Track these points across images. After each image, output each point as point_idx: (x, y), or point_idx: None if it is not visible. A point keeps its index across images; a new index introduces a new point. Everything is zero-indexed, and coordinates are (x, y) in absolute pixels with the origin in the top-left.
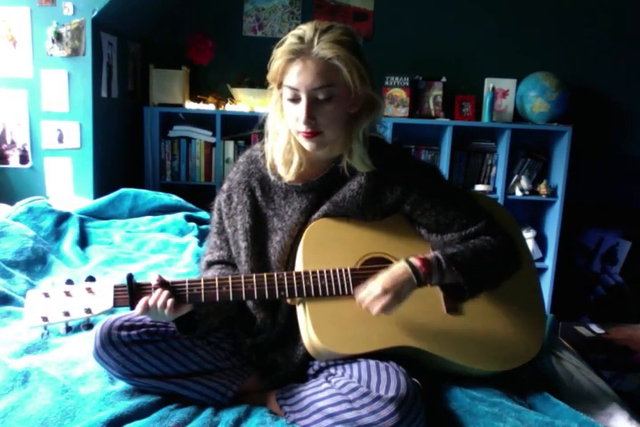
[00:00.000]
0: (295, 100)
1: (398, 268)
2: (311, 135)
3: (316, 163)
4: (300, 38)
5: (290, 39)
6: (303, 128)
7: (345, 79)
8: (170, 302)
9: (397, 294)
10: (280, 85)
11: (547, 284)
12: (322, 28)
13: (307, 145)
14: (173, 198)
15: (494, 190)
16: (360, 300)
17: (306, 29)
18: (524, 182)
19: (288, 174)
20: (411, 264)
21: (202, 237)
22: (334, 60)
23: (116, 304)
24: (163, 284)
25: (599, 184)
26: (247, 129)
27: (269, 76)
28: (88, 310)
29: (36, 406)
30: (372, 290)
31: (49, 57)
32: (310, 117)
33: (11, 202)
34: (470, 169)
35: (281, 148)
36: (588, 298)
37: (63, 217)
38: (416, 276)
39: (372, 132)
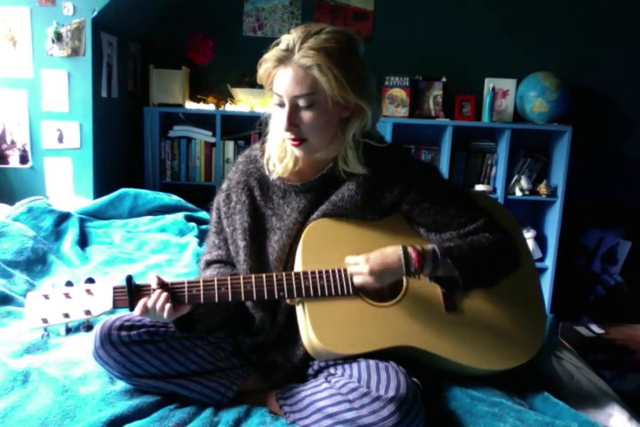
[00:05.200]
0: (281, 105)
1: (393, 254)
2: (297, 143)
3: (314, 163)
4: (287, 44)
5: (279, 44)
6: (287, 134)
7: (324, 87)
8: (168, 306)
9: (380, 278)
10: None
11: (547, 284)
12: (310, 32)
13: (296, 151)
14: (173, 198)
15: (494, 190)
16: (345, 263)
17: (293, 34)
18: (524, 182)
19: (279, 170)
20: (406, 255)
21: (202, 237)
22: (312, 69)
23: (116, 306)
24: (162, 285)
25: (599, 184)
26: (247, 129)
27: (259, 80)
28: (87, 312)
29: (36, 406)
30: (360, 266)
31: (49, 57)
32: (291, 124)
33: (11, 202)
34: (470, 169)
35: (277, 144)
36: (588, 298)
37: (63, 217)
38: (407, 266)
39: (372, 134)
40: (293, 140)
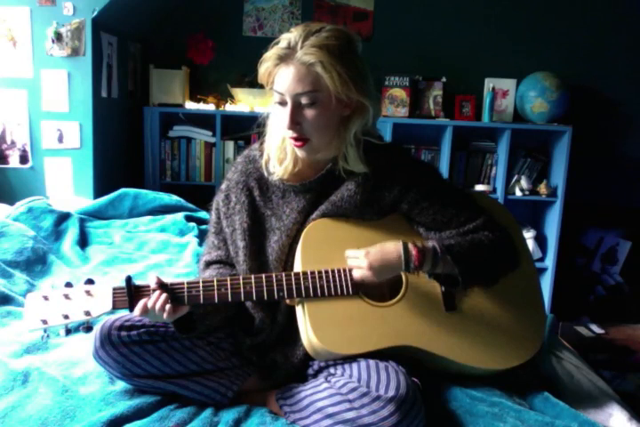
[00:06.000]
0: (282, 103)
1: (393, 251)
2: (300, 144)
3: (313, 163)
4: (288, 42)
5: (280, 43)
6: (289, 133)
7: (327, 84)
8: (168, 306)
9: (379, 274)
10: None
11: (547, 284)
12: (310, 30)
13: (298, 152)
14: (173, 198)
15: (494, 190)
16: (345, 256)
17: (294, 32)
18: (524, 182)
19: (278, 171)
20: (406, 251)
21: (202, 237)
22: (315, 66)
23: (115, 306)
24: (161, 286)
25: (599, 184)
26: (247, 129)
27: (259, 79)
28: (87, 313)
29: (36, 406)
30: (360, 260)
31: (49, 57)
32: (294, 122)
33: (11, 202)
34: (470, 169)
35: (276, 146)
36: (588, 298)
37: (63, 217)
38: (406, 263)
39: (371, 132)
40: (296, 140)
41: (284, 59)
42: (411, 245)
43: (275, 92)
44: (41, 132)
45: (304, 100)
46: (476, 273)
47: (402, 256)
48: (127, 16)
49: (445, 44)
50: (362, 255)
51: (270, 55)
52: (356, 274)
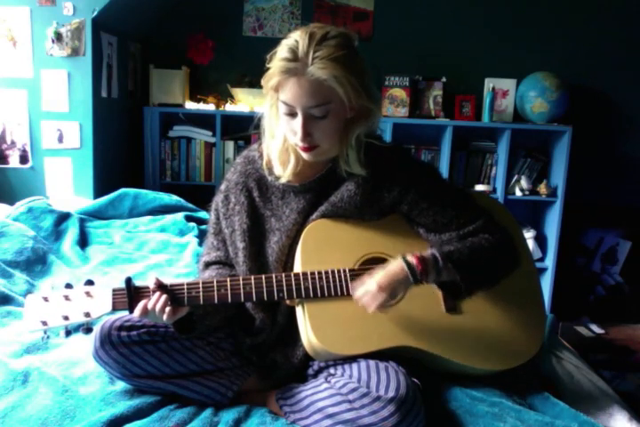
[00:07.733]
0: (292, 114)
1: (395, 266)
2: (308, 150)
3: (313, 164)
4: (294, 53)
5: (283, 53)
6: (301, 144)
7: (340, 96)
8: (168, 308)
9: (393, 292)
10: (277, 90)
11: (547, 284)
12: (316, 38)
13: (305, 156)
14: (173, 198)
15: (494, 190)
16: (357, 297)
17: (299, 41)
18: (524, 182)
19: (285, 174)
20: (407, 262)
21: (202, 237)
22: (329, 81)
23: (115, 308)
24: (161, 287)
25: (599, 184)
26: (247, 129)
27: (265, 91)
28: (87, 314)
29: (36, 406)
30: (369, 288)
31: (49, 57)
32: (307, 135)
33: (11, 202)
34: (470, 169)
35: (277, 149)
36: (588, 298)
37: (63, 217)
38: (412, 274)
39: (372, 133)
40: (306, 147)
41: (293, 72)
42: (409, 256)
43: (282, 104)
44: (41, 132)
45: (316, 113)
46: (478, 279)
47: (404, 267)
48: (127, 16)
49: (445, 44)
50: (367, 283)
51: (278, 70)
52: (373, 305)
